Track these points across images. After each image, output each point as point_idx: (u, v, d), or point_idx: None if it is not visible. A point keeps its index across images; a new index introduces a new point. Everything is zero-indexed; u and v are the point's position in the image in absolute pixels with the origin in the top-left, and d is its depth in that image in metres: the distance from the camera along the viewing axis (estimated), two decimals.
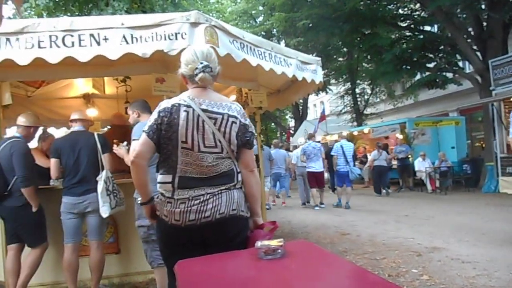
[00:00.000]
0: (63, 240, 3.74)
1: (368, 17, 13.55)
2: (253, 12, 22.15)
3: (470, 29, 12.86)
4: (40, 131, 4.26)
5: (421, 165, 12.53)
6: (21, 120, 3.90)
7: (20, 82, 5.33)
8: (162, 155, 2.00)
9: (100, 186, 3.60)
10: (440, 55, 14.20)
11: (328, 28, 14.08)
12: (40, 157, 4.73)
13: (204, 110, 1.94)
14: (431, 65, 14.27)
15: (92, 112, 6.31)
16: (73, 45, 3.33)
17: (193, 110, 1.93)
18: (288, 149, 13.60)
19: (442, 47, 14.04)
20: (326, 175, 14.51)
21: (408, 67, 14.07)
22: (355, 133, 17.62)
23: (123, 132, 5.19)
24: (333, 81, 22.26)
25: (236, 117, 2.00)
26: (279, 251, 1.51)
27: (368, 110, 22.17)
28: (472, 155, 15.19)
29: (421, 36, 14.34)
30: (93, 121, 4.94)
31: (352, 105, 21.91)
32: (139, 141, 1.97)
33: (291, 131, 25.25)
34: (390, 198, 11.25)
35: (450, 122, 14.50)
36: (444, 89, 14.83)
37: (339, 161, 9.69)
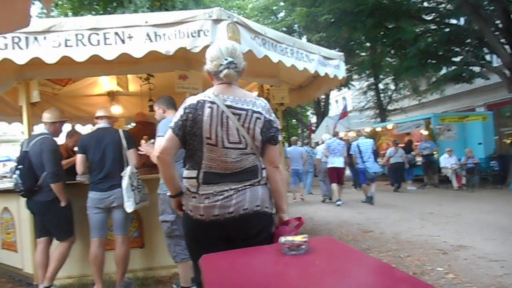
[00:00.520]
0: (90, 234, 3.84)
1: (392, 10, 13.25)
2: (274, 8, 22.02)
3: (497, 21, 12.43)
4: (68, 127, 4.36)
5: (447, 162, 12.24)
6: (46, 116, 4.00)
7: (48, 80, 5.49)
8: (188, 150, 2.02)
9: (125, 182, 3.66)
10: (467, 48, 13.77)
11: (351, 22, 13.86)
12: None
13: (228, 106, 1.95)
14: (457, 59, 13.88)
15: (116, 109, 6.44)
16: (98, 44, 3.40)
17: (218, 106, 1.94)
18: (310, 146, 13.55)
19: (468, 40, 13.61)
20: (347, 171, 14.43)
21: (433, 62, 13.71)
22: (378, 129, 17.33)
23: (147, 129, 5.28)
24: (355, 76, 21.94)
25: (260, 113, 1.99)
26: (303, 247, 1.50)
27: (392, 106, 21.77)
28: (500, 151, 14.68)
29: (447, 30, 13.94)
30: (117, 118, 5.04)
31: (375, 100, 21.54)
32: (165, 137, 2.00)
33: (313, 128, 25.06)
34: (415, 195, 11.04)
35: (477, 118, 14.08)
36: (471, 84, 14.41)
37: (358, 159, 9.96)
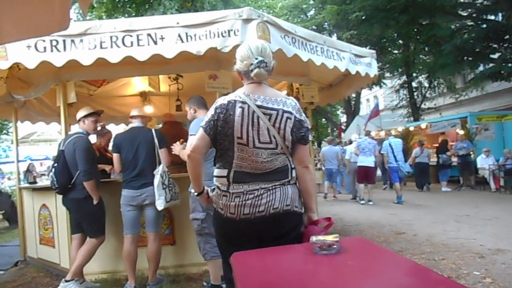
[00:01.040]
0: (123, 231, 3.93)
1: (426, 6, 12.88)
2: (304, 6, 21.87)
3: None
4: (98, 127, 4.44)
5: (484, 162, 11.78)
6: (80, 114, 4.09)
7: (83, 82, 5.67)
8: (219, 150, 2.03)
9: (157, 180, 3.74)
10: (505, 45, 13.20)
11: (383, 19, 13.59)
12: None
13: (259, 106, 1.95)
14: (495, 56, 13.32)
15: (148, 109, 6.57)
16: (132, 45, 3.48)
17: (248, 106, 1.94)
18: (336, 144, 13.39)
19: (507, 36, 13.04)
20: (378, 171, 14.22)
21: (470, 59, 13.22)
22: (411, 128, 16.86)
23: (175, 129, 5.37)
24: (387, 74, 21.41)
25: (291, 113, 1.99)
26: (335, 246, 1.48)
27: (426, 104, 21.13)
28: None
29: (484, 26, 13.42)
30: (151, 118, 5.14)
31: (408, 99, 20.96)
32: (196, 136, 2.02)
33: (343, 127, 24.71)
34: (450, 196, 10.67)
35: None
36: (510, 82, 13.79)
37: (390, 158, 10.05)
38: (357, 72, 4.76)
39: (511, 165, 11.42)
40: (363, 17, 14.26)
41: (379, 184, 14.03)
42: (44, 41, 3.44)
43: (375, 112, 16.23)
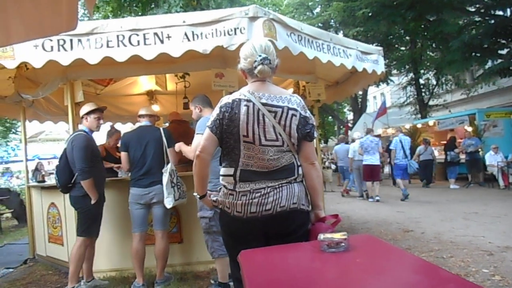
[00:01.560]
0: (131, 229, 3.95)
1: (433, 2, 12.75)
2: (310, 3, 21.78)
3: None
4: (107, 126, 4.43)
5: (492, 159, 11.68)
6: (82, 111, 4.02)
7: (90, 81, 5.71)
8: (225, 148, 2.04)
9: (165, 178, 3.75)
10: None
11: (390, 16, 13.48)
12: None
13: (264, 104, 1.95)
14: (504, 51, 13.17)
15: (155, 108, 6.60)
16: (138, 44, 3.49)
17: (253, 104, 1.94)
18: (347, 143, 13.45)
19: None
20: (387, 168, 14.19)
21: (478, 55, 13.08)
22: (419, 125, 16.76)
23: (182, 127, 5.38)
24: (394, 71, 21.28)
25: (296, 110, 1.99)
26: (343, 244, 1.47)
27: (433, 101, 20.96)
28: None
29: (492, 21, 13.26)
30: (159, 117, 5.16)
31: (415, 96, 20.80)
32: (204, 136, 2.02)
33: (349, 125, 24.61)
34: (458, 194, 10.59)
35: None
36: None
37: (397, 154, 10.20)
38: (364, 69, 4.74)
39: None
40: (370, 14, 14.16)
41: (387, 181, 13.98)
42: (51, 40, 3.47)
43: (383, 110, 16.15)
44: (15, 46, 3.48)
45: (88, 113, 3.98)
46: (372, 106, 32.51)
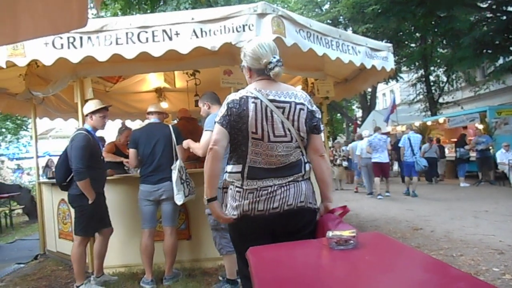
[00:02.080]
0: (141, 225, 3.98)
1: None
2: (319, 0, 21.68)
3: None
4: (118, 123, 4.44)
5: (503, 157, 11.52)
6: (87, 109, 3.95)
7: (100, 78, 5.74)
8: (232, 145, 2.04)
9: (175, 175, 3.77)
10: None
11: (400, 12, 13.35)
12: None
13: (271, 100, 1.96)
14: None
15: (164, 105, 6.62)
16: (147, 41, 3.50)
17: (261, 101, 1.95)
18: (353, 140, 13.45)
19: None
20: (395, 166, 14.14)
21: (489, 51, 12.91)
22: (429, 123, 16.59)
23: (191, 124, 5.40)
24: (404, 68, 21.07)
25: (303, 104, 2.01)
26: (352, 242, 1.46)
27: (444, 99, 20.72)
28: None
29: (504, 18, 13.06)
30: (168, 114, 5.17)
31: (425, 93, 20.58)
32: (214, 131, 2.01)
33: (358, 122, 24.45)
34: (468, 192, 10.49)
35: None
36: None
37: (406, 152, 10.20)
38: (373, 66, 4.70)
39: None
40: (379, 10, 14.03)
41: (397, 179, 13.91)
42: (61, 38, 3.50)
43: (394, 106, 16.03)
44: (26, 44, 3.52)
45: (93, 112, 3.90)
46: (381, 103, 32.25)
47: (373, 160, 10.01)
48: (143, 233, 3.93)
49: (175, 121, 7.34)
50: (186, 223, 4.53)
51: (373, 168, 10.19)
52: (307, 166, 2.05)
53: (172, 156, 3.91)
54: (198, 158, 4.21)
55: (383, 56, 4.87)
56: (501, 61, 14.05)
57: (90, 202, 3.67)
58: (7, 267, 5.22)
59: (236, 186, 2.01)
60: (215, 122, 2.02)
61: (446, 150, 14.26)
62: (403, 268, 1.31)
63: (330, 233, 1.52)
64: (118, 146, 5.58)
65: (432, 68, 19.42)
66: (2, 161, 16.97)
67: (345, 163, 13.07)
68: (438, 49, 18.63)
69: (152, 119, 4.14)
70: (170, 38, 3.49)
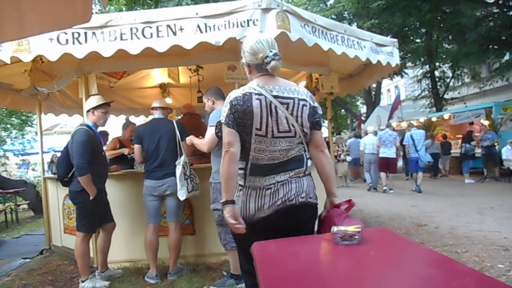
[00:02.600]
0: (145, 221, 4.00)
1: None
2: None
3: None
4: (122, 119, 4.44)
5: (509, 154, 11.44)
6: (89, 105, 3.94)
7: (104, 74, 5.75)
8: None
9: (179, 171, 3.77)
10: None
11: (405, 8, 13.22)
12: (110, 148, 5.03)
13: (275, 96, 1.97)
14: None
15: (167, 101, 6.62)
16: (151, 36, 3.50)
17: (265, 97, 1.95)
18: (359, 136, 13.38)
19: None
20: (400, 162, 14.14)
21: (495, 47, 12.78)
22: (434, 119, 16.50)
23: (195, 120, 5.40)
24: (409, 64, 20.94)
25: (306, 100, 2.04)
26: (356, 237, 1.46)
27: (449, 95, 20.59)
28: None
29: (510, 13, 12.93)
30: (172, 109, 5.17)
31: (431, 89, 20.45)
32: (224, 134, 1.98)
33: (362, 118, 24.35)
34: (473, 188, 10.44)
35: None
36: None
37: (410, 149, 10.41)
38: (378, 62, 4.67)
39: None
40: (385, 6, 13.92)
41: (401, 175, 13.86)
42: (66, 33, 3.50)
43: (398, 102, 15.94)
44: (31, 40, 3.52)
45: (95, 108, 3.89)
46: (386, 99, 32.10)
47: (380, 155, 10.33)
48: (147, 228, 3.95)
49: (179, 117, 7.37)
50: (191, 219, 4.54)
51: (379, 163, 10.43)
52: (309, 162, 2.07)
53: (176, 151, 3.91)
54: (203, 153, 4.22)
55: (388, 51, 4.84)
56: (507, 57, 13.92)
57: (91, 198, 3.66)
58: (13, 261, 5.26)
59: (240, 185, 2.03)
60: (220, 123, 2.02)
61: (452, 146, 14.19)
62: (408, 263, 1.30)
63: (335, 228, 1.52)
64: (123, 141, 5.59)
65: (437, 63, 19.27)
66: (8, 157, 17.04)
67: (349, 158, 13.03)
68: (444, 45, 18.47)
69: (156, 114, 4.14)
70: (175, 33, 3.48)
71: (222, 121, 2.01)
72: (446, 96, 20.12)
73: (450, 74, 20.28)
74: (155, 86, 7.12)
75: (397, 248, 1.47)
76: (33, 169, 19.72)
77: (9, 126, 16.87)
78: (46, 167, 8.69)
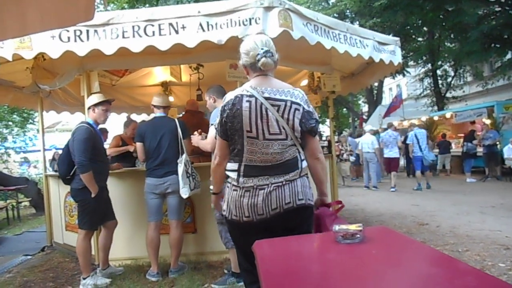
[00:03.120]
0: (147, 218, 4.01)
1: None
2: None
3: None
4: (124, 117, 4.44)
5: (510, 153, 11.43)
6: (89, 102, 3.95)
7: (106, 72, 5.74)
8: (230, 144, 2.07)
9: (181, 169, 3.78)
10: None
11: (407, 6, 13.20)
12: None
13: (267, 98, 1.97)
14: None
15: (169, 99, 6.62)
16: (153, 34, 3.49)
17: (256, 99, 1.96)
18: (360, 135, 13.38)
19: None
20: (402, 161, 14.17)
21: (498, 46, 12.75)
22: (436, 118, 16.47)
23: (196, 118, 5.39)
24: (411, 62, 20.88)
25: (299, 104, 2.01)
26: (358, 236, 1.46)
27: (451, 93, 20.53)
28: None
29: None
30: (170, 106, 5.17)
31: (433, 88, 20.40)
32: (217, 146, 2.13)
33: (364, 117, 24.32)
34: (475, 187, 10.43)
35: None
36: None
37: (415, 148, 10.55)
38: (381, 60, 4.66)
39: None
40: (387, 4, 13.88)
41: (403, 174, 13.87)
42: (68, 31, 3.49)
43: (400, 101, 15.87)
44: (33, 37, 3.52)
45: (96, 105, 3.90)
46: (387, 98, 32.02)
47: (384, 156, 10.78)
48: (149, 226, 3.96)
49: (181, 115, 7.36)
50: (192, 217, 4.55)
51: (384, 163, 10.94)
52: (304, 163, 2.05)
53: (178, 149, 3.92)
54: (202, 152, 4.22)
55: (390, 50, 4.83)
56: (509, 55, 13.88)
57: (93, 195, 3.67)
58: (15, 258, 5.28)
59: (233, 185, 2.04)
60: (215, 128, 2.10)
61: (453, 145, 14.17)
62: (410, 262, 1.30)
63: (336, 227, 1.51)
64: (124, 139, 5.59)
65: (439, 62, 19.22)
66: (9, 154, 17.07)
67: (352, 158, 13.01)
68: (446, 43, 18.41)
69: (158, 113, 4.14)
70: (177, 32, 3.47)
71: (216, 129, 2.09)
72: (448, 95, 20.07)
73: (452, 73, 20.23)
74: (157, 84, 7.12)
75: (398, 247, 1.47)
76: (35, 167, 19.74)
77: (10, 123, 16.89)
78: (47, 165, 8.71)
